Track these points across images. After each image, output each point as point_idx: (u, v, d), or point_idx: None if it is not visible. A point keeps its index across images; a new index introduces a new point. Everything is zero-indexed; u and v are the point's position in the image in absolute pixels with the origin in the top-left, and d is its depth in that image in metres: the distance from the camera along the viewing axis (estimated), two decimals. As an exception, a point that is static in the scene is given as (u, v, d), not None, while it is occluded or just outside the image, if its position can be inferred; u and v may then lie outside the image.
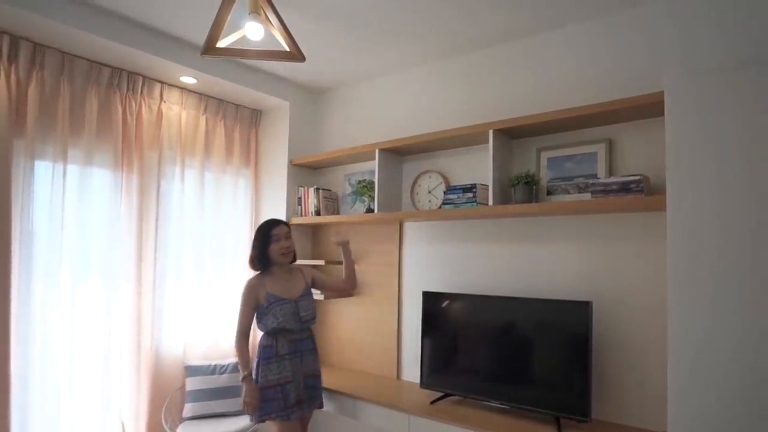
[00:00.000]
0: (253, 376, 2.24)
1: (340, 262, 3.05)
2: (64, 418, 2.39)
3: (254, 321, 2.32)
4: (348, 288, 2.58)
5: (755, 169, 1.54)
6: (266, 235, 2.33)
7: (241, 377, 2.24)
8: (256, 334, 2.47)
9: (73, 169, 2.47)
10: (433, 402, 2.38)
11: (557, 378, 2.08)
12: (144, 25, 2.46)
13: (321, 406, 2.43)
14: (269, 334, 2.27)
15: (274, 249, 2.32)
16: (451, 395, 2.42)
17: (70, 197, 2.45)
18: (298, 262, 3.08)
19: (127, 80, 2.67)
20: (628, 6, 2.16)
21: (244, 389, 2.21)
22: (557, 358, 2.09)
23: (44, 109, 2.35)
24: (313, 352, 2.39)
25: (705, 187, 1.62)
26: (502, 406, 2.25)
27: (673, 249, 1.67)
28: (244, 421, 2.70)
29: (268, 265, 2.35)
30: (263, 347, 2.26)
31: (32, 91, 2.29)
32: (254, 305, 2.29)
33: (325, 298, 2.97)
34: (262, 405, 2.19)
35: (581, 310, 2.03)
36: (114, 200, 2.62)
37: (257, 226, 2.41)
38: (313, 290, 2.50)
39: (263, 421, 2.22)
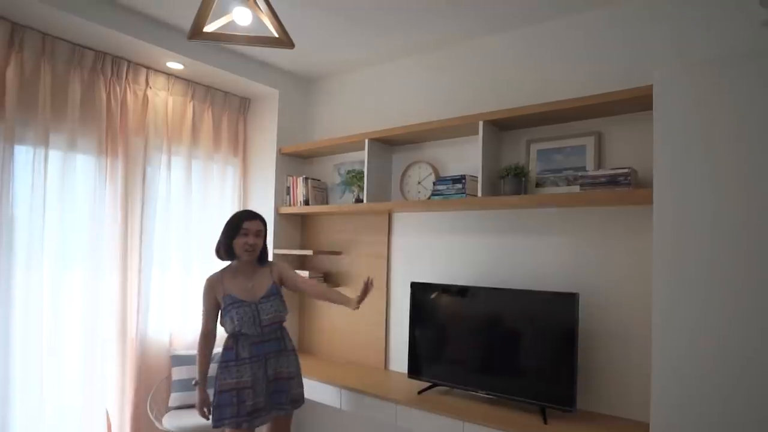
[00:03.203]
0: (215, 377, 2.14)
1: (331, 252, 3.04)
2: (47, 408, 2.36)
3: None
4: (350, 304, 2.25)
5: (742, 163, 1.55)
6: (236, 225, 2.15)
7: (193, 382, 2.17)
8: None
9: (55, 154, 2.41)
10: (420, 392, 2.40)
11: (543, 368, 2.10)
12: (129, 7, 2.40)
13: (288, 411, 2.22)
14: (230, 336, 2.14)
15: (239, 242, 2.14)
16: (438, 385, 2.44)
17: (52, 183, 2.40)
18: (289, 251, 3.07)
19: (111, 64, 2.61)
20: (620, 0, 2.16)
21: (197, 395, 2.17)
22: (544, 349, 2.10)
23: (24, 92, 2.28)
24: (283, 353, 2.20)
25: (691, 181, 1.63)
26: (489, 396, 2.27)
27: (658, 242, 1.68)
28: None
29: (231, 257, 2.19)
30: (224, 349, 2.14)
31: (11, 72, 2.23)
32: (214, 304, 2.17)
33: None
34: (217, 409, 2.08)
35: (568, 301, 2.05)
36: (98, 187, 2.57)
37: (233, 214, 2.23)
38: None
39: (218, 427, 2.10)
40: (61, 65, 2.42)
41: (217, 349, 2.25)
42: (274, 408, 2.17)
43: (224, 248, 2.18)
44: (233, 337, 2.14)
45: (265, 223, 2.24)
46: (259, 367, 2.13)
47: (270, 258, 3.11)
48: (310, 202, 3.06)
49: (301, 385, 2.28)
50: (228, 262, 2.24)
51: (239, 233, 2.15)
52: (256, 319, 2.13)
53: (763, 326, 1.49)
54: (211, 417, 2.13)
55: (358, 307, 2.23)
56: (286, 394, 2.20)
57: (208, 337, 2.20)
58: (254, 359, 2.12)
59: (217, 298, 2.16)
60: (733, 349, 1.53)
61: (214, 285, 2.17)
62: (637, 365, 2.04)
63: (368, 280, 2.22)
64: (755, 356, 1.49)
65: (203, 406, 2.15)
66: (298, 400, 2.25)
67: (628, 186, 1.91)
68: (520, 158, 2.41)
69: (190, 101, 3.00)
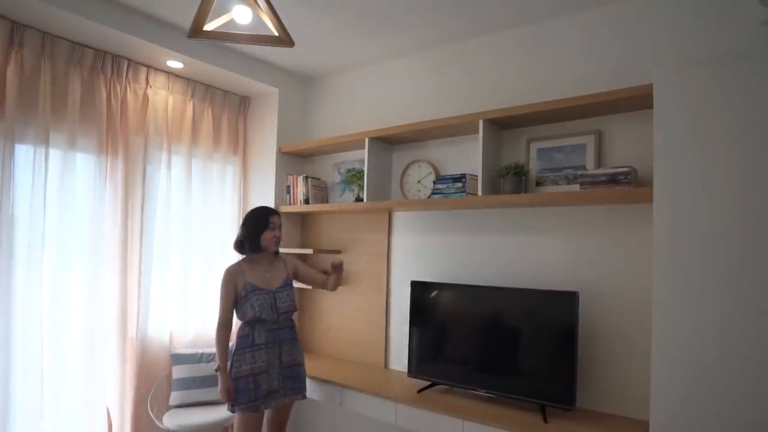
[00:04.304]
0: (229, 366, 2.21)
1: (331, 251, 3.05)
2: (48, 407, 2.36)
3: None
4: (328, 287, 2.56)
5: (742, 162, 1.55)
6: (264, 220, 2.32)
7: (215, 368, 2.21)
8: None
9: (55, 153, 2.41)
10: (420, 391, 2.40)
11: (543, 367, 2.10)
12: (129, 6, 2.39)
13: (304, 397, 2.38)
14: (246, 324, 2.25)
15: (268, 236, 2.31)
16: (438, 384, 2.44)
17: (53, 182, 2.40)
18: (285, 250, 3.08)
19: (111, 63, 2.61)
20: (621, -3, 2.16)
21: (219, 380, 2.18)
22: (544, 347, 2.11)
23: (24, 91, 2.28)
24: (293, 341, 2.36)
25: (691, 180, 1.63)
26: (489, 395, 2.27)
27: (658, 241, 1.68)
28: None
29: (256, 250, 2.32)
30: (240, 338, 2.24)
31: (11, 71, 2.22)
32: (234, 294, 2.25)
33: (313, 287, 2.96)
34: (236, 396, 2.17)
35: (568, 300, 2.05)
36: (98, 186, 2.57)
37: (253, 210, 2.38)
38: (295, 282, 2.48)
39: (233, 412, 2.20)
40: (61, 64, 2.42)
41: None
42: (288, 392, 2.30)
43: (251, 241, 2.31)
44: (250, 325, 2.24)
45: (281, 218, 2.44)
46: (274, 353, 2.26)
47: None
48: (310, 201, 3.06)
49: (306, 373, 2.44)
50: (242, 256, 2.37)
51: (268, 227, 2.31)
52: (274, 306, 2.28)
53: (763, 324, 1.49)
54: (229, 404, 2.18)
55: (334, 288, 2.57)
56: (298, 380, 2.35)
57: (227, 325, 2.27)
58: (269, 345, 2.25)
59: (237, 287, 2.25)
60: (733, 347, 1.53)
61: (234, 275, 2.27)
62: (637, 363, 2.04)
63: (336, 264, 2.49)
64: (755, 354, 1.50)
65: (227, 391, 2.16)
66: (305, 386, 2.41)
67: (628, 184, 1.91)
68: (520, 157, 2.40)
69: (190, 100, 3.00)
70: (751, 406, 1.49)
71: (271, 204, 3.14)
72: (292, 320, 2.39)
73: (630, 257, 2.09)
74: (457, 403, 2.23)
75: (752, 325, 1.51)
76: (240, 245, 2.34)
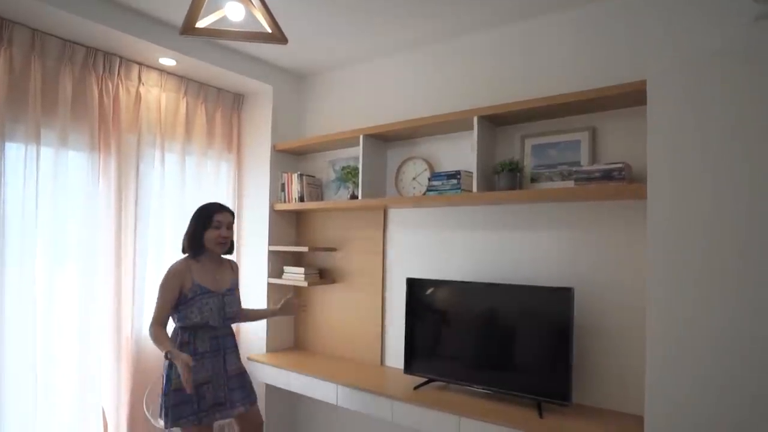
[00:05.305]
0: (165, 373, 2.02)
1: (326, 249, 3.04)
2: (42, 407, 2.35)
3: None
4: (243, 319, 2.41)
5: (735, 158, 1.56)
6: (207, 218, 2.13)
7: (164, 354, 1.92)
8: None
9: (47, 151, 2.39)
10: (416, 387, 2.40)
11: (539, 363, 2.11)
12: (120, 3, 2.37)
13: (254, 403, 2.25)
14: (186, 329, 2.07)
15: (211, 235, 2.12)
16: (434, 381, 2.44)
17: (44, 180, 2.37)
18: (284, 248, 3.07)
19: (103, 60, 2.58)
20: (614, -7, 2.16)
21: (176, 363, 1.86)
22: (539, 343, 2.11)
23: (14, 88, 2.25)
24: (235, 349, 2.23)
25: (685, 176, 1.64)
26: (485, 391, 2.28)
27: (653, 237, 1.69)
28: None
29: (198, 251, 2.14)
30: (180, 345, 2.04)
31: (0, 68, 2.20)
32: (177, 295, 2.05)
33: (309, 284, 2.96)
34: (175, 409, 1.99)
35: (563, 296, 2.05)
36: (91, 184, 2.54)
37: (200, 206, 2.20)
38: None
39: (175, 426, 1.99)
40: (51, 61, 2.40)
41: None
42: (236, 404, 2.17)
43: (192, 242, 2.13)
44: (190, 331, 2.08)
45: (234, 217, 2.25)
46: (218, 361, 2.13)
47: (265, 255, 3.11)
48: (305, 199, 3.05)
49: (251, 380, 2.32)
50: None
51: (211, 226, 2.13)
52: (222, 311, 2.15)
53: (757, 319, 1.50)
54: (166, 419, 2.01)
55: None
56: (244, 390, 2.23)
57: (164, 325, 2.05)
58: (213, 353, 2.12)
59: (184, 288, 2.06)
60: (727, 342, 1.55)
61: (181, 273, 2.08)
62: (632, 358, 2.05)
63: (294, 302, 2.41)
64: (749, 349, 1.51)
65: (188, 363, 1.84)
66: (254, 392, 2.29)
67: (623, 180, 1.92)
68: (514, 153, 2.41)
69: (183, 97, 2.97)
70: (746, 400, 1.50)
71: (266, 202, 3.13)
72: (232, 327, 2.26)
73: (625, 253, 2.10)
74: (453, 399, 2.23)
75: (746, 319, 1.52)
76: (182, 245, 2.16)
